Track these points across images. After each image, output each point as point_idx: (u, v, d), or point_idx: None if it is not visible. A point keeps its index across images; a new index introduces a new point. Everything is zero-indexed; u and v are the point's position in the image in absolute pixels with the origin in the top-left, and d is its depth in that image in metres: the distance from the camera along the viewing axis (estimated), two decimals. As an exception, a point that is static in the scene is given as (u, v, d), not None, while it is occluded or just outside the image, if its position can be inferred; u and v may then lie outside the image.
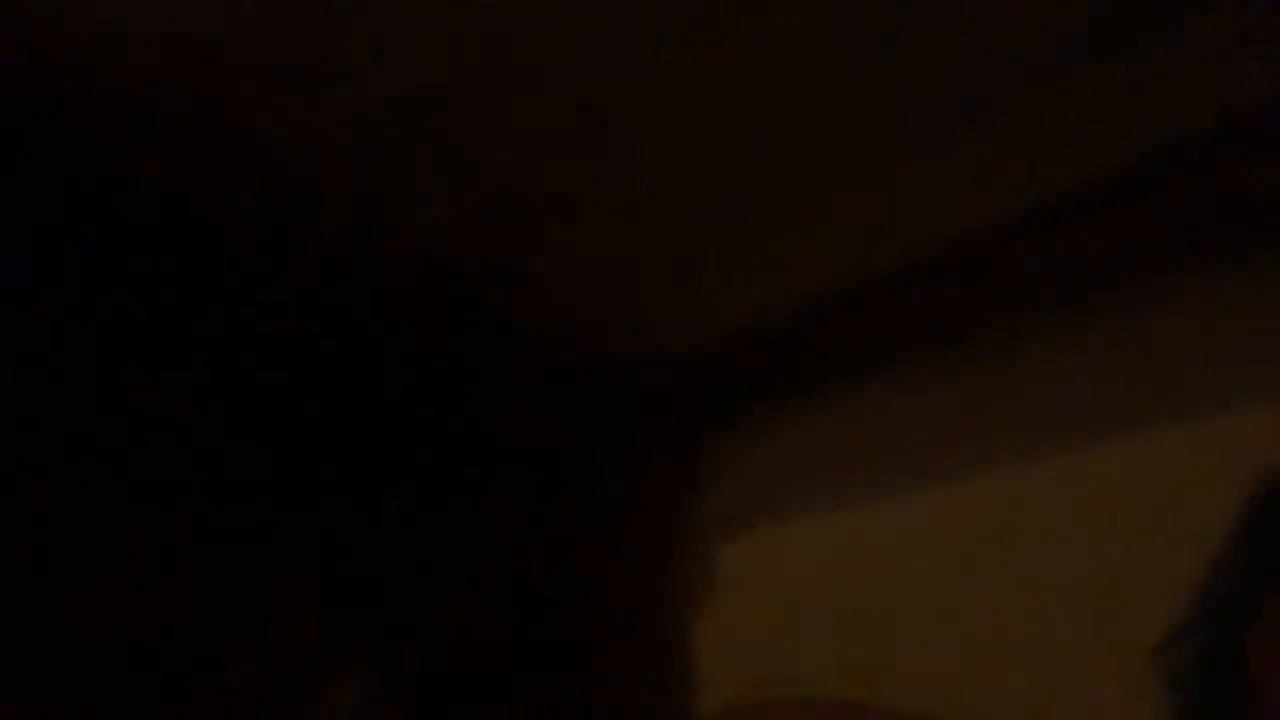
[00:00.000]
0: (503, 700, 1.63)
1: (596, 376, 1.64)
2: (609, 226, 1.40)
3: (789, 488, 1.57)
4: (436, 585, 1.65)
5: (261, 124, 1.24)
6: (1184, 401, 1.27)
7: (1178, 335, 1.29)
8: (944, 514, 1.41)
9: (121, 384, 1.40)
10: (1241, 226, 1.24)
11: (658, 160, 1.30)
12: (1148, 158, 1.23)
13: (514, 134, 1.27)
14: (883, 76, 1.15)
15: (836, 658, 1.43)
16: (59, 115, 1.19)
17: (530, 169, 1.32)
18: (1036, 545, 1.33)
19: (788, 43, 1.12)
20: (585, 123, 1.24)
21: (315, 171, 1.32)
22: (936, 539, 1.41)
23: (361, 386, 1.57)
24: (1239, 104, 1.16)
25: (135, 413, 1.42)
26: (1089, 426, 1.33)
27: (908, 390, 1.47)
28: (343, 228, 1.40)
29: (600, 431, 1.68)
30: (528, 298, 1.52)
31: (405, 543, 1.64)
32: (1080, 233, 1.32)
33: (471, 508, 1.70)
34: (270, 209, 1.37)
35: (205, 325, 1.44)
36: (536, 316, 1.56)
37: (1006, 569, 1.34)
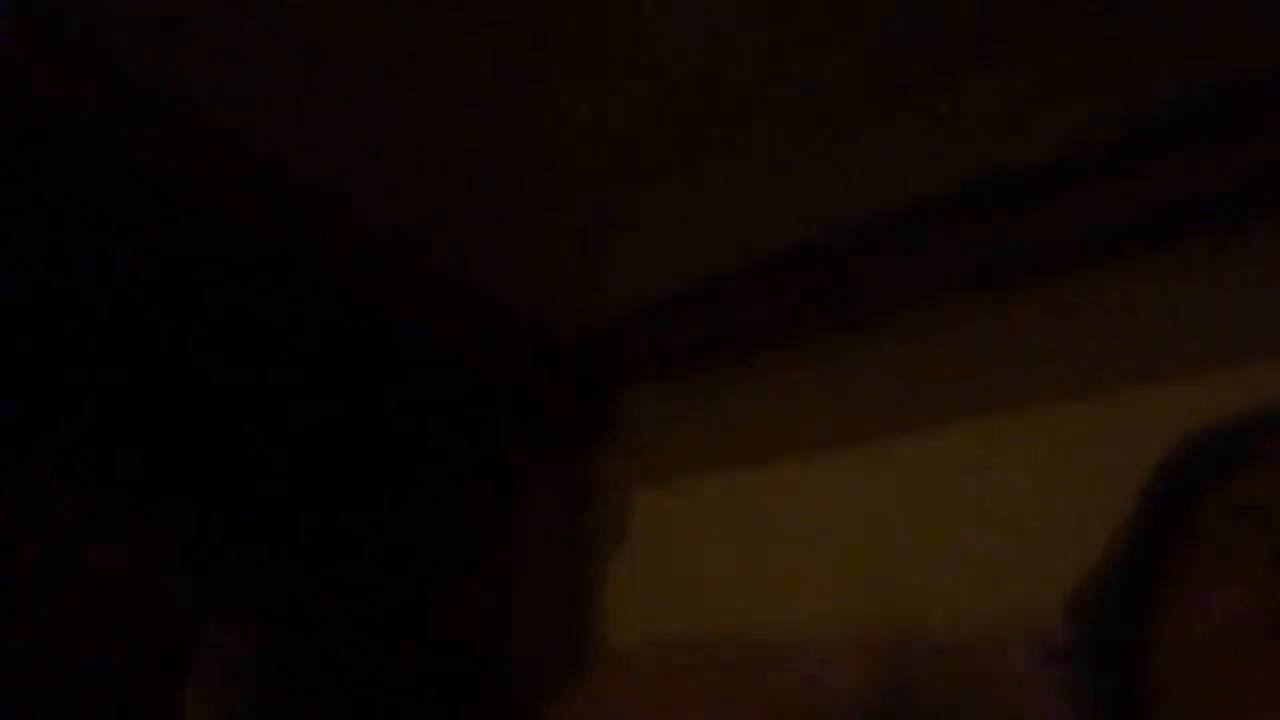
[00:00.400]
0: (406, 639, 1.62)
1: (511, 329, 1.65)
2: (532, 183, 1.39)
3: (707, 442, 1.59)
4: (341, 529, 1.63)
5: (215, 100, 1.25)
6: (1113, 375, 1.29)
7: (1096, 315, 1.32)
8: (859, 473, 1.43)
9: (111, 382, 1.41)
10: (1226, 197, 1.26)
11: (580, 116, 1.28)
12: (1116, 131, 1.27)
13: (430, 88, 1.25)
14: (841, 39, 1.16)
15: (744, 608, 1.43)
16: (57, 110, 1.20)
17: (448, 126, 1.30)
18: (952, 505, 1.34)
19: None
20: (506, 75, 1.22)
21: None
22: (850, 497, 1.43)
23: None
24: (1210, 80, 1.19)
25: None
26: (1005, 395, 1.36)
27: (833, 355, 1.50)
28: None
29: (512, 383, 1.68)
30: (446, 254, 1.52)
31: (314, 489, 1.62)
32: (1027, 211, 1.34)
33: (377, 452, 1.69)
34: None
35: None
36: (454, 272, 1.55)
37: (921, 528, 1.34)
